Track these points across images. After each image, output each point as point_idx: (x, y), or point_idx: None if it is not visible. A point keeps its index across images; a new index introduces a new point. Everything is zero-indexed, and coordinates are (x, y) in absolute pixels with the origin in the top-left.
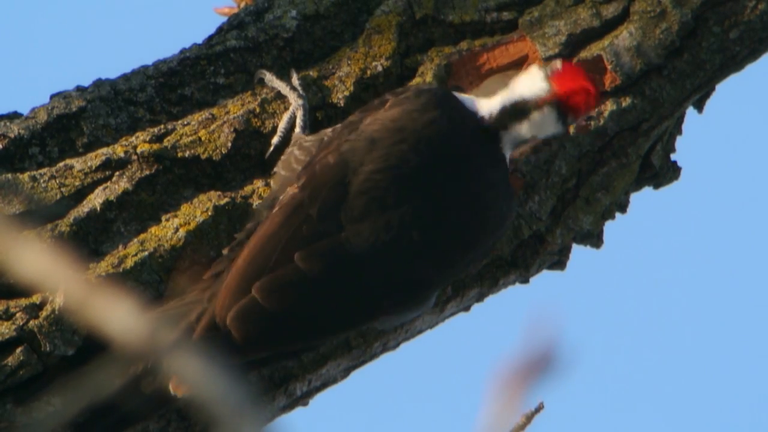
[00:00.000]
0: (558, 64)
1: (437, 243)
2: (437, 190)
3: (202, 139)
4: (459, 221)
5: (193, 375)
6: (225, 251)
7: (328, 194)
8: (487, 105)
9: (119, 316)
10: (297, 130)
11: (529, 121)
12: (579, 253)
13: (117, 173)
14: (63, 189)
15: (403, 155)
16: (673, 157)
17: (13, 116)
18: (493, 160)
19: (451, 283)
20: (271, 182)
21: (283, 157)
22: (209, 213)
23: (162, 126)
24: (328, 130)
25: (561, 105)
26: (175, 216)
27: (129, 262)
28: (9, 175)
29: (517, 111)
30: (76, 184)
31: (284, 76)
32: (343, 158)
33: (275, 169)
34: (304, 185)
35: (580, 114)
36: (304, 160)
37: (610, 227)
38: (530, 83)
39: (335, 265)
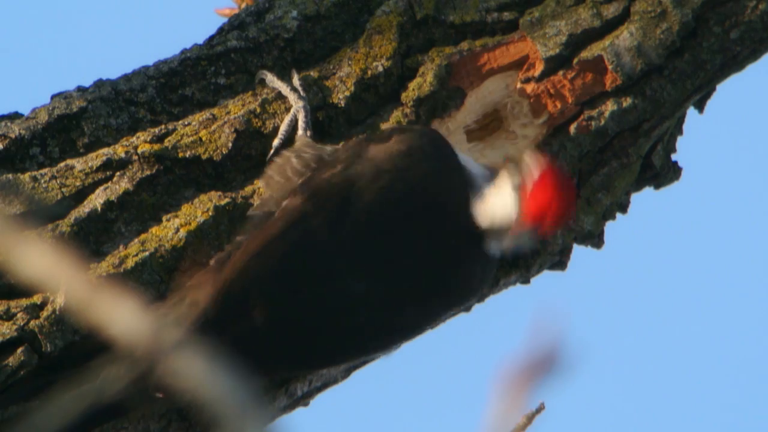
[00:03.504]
0: (531, 174)
1: (424, 294)
2: (429, 240)
3: (203, 139)
4: (445, 277)
5: (194, 375)
6: (212, 262)
7: (332, 208)
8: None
9: (120, 317)
10: (300, 132)
11: (502, 242)
12: (580, 253)
13: (118, 173)
14: (64, 189)
15: (404, 194)
16: (673, 157)
17: (14, 116)
18: (475, 227)
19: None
20: (261, 184)
21: (279, 161)
22: (210, 213)
23: (163, 126)
24: (327, 148)
25: (532, 230)
26: (176, 216)
27: (130, 263)
28: (10, 176)
29: (492, 234)
30: (77, 184)
31: (285, 77)
32: (350, 179)
33: (268, 172)
34: (308, 198)
35: (554, 232)
36: (301, 171)
37: (610, 227)
38: (502, 204)
39: (334, 302)
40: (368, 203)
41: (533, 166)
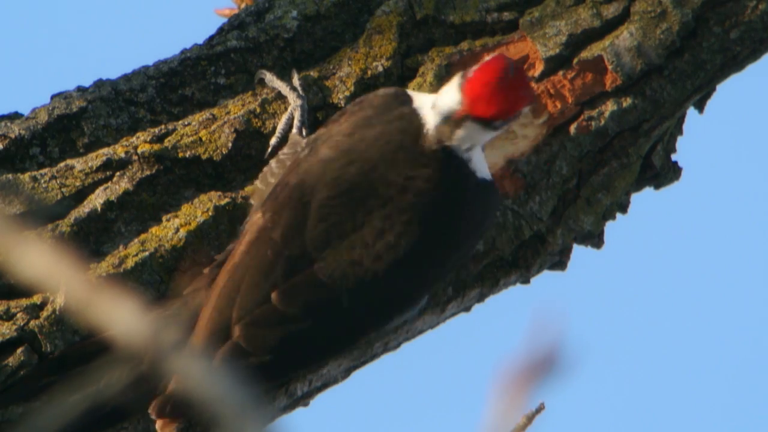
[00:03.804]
0: (473, 67)
1: (410, 256)
2: (396, 207)
3: (203, 139)
4: (429, 230)
5: (194, 375)
6: (206, 270)
7: (289, 217)
8: (431, 115)
9: (120, 317)
10: (294, 131)
11: (460, 136)
12: (580, 253)
13: (118, 173)
14: (64, 189)
15: (353, 178)
16: (673, 157)
17: (14, 116)
18: (454, 162)
19: (445, 283)
20: (251, 198)
21: (264, 169)
22: (210, 213)
23: (163, 126)
24: (303, 141)
25: (477, 117)
26: (176, 216)
27: (130, 263)
28: (10, 176)
29: (447, 126)
30: (77, 184)
31: (285, 77)
32: (301, 179)
33: (256, 183)
34: (265, 209)
35: (502, 118)
36: (279, 173)
37: (610, 227)
38: (449, 94)
39: (312, 299)
40: (322, 203)
41: (480, 61)
